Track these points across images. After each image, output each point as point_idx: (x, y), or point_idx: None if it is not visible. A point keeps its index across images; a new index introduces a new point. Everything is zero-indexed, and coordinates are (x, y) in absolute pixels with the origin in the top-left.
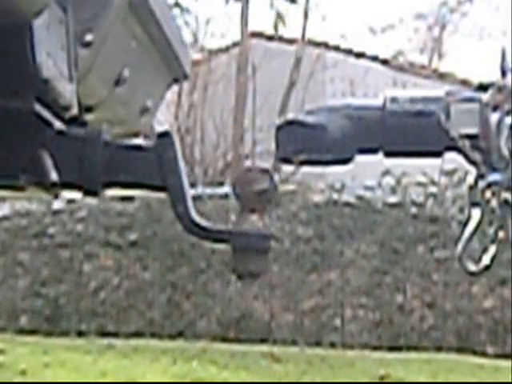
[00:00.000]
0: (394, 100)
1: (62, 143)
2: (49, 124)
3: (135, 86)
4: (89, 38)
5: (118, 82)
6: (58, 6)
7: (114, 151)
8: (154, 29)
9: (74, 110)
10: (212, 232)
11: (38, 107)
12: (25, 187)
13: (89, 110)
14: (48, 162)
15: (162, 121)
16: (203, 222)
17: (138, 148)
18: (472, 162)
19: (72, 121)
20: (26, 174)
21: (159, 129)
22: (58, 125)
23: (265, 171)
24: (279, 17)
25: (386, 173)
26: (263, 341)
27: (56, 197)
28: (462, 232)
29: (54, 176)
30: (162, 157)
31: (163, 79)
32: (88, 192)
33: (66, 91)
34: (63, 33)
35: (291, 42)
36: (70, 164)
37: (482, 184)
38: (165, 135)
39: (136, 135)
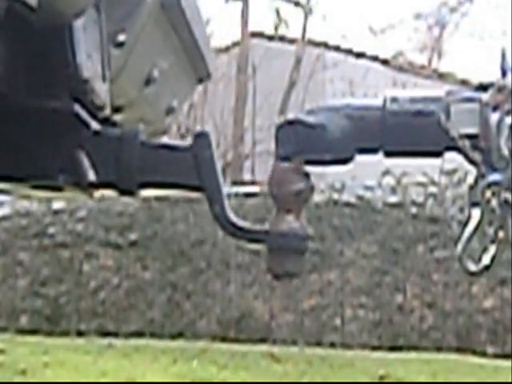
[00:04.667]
0: (394, 100)
1: (98, 143)
2: (86, 124)
3: (163, 86)
4: (121, 38)
5: (147, 82)
6: (92, 6)
7: (151, 151)
8: (183, 29)
9: (108, 111)
10: (248, 232)
11: (77, 108)
12: (62, 187)
13: (118, 110)
14: (85, 162)
15: None
16: (239, 222)
17: (175, 148)
18: (472, 162)
19: (103, 121)
20: (64, 175)
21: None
22: (94, 125)
23: (301, 171)
24: (279, 16)
25: (386, 173)
26: (263, 341)
27: (91, 196)
28: (462, 232)
29: (91, 176)
30: (199, 157)
31: (189, 79)
32: (124, 192)
33: (102, 91)
34: (97, 33)
35: (291, 41)
36: (106, 164)
37: (482, 184)
38: (201, 135)
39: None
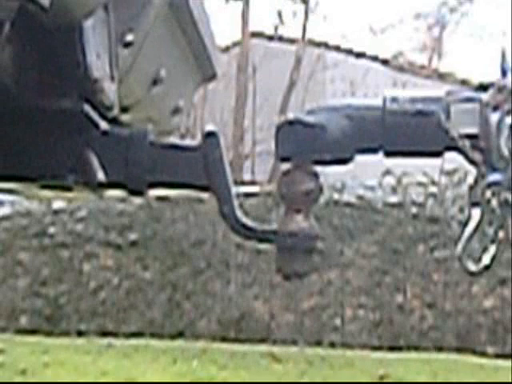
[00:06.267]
0: (394, 100)
1: (108, 143)
2: (96, 124)
3: (170, 86)
4: (129, 38)
5: (155, 82)
6: (100, 6)
7: (160, 151)
8: (190, 29)
9: (116, 111)
10: (257, 232)
11: (87, 107)
12: (72, 187)
13: (125, 110)
14: (95, 162)
15: None
16: (249, 222)
17: (184, 148)
18: (472, 162)
19: (111, 121)
20: (74, 174)
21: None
22: (104, 125)
23: (310, 171)
24: (281, 17)
25: (387, 173)
26: (263, 341)
27: (101, 197)
28: (462, 232)
29: (100, 176)
30: (208, 157)
31: (195, 79)
32: (133, 192)
33: (110, 91)
34: (106, 33)
35: (291, 41)
36: (115, 164)
37: (482, 184)
38: (211, 135)
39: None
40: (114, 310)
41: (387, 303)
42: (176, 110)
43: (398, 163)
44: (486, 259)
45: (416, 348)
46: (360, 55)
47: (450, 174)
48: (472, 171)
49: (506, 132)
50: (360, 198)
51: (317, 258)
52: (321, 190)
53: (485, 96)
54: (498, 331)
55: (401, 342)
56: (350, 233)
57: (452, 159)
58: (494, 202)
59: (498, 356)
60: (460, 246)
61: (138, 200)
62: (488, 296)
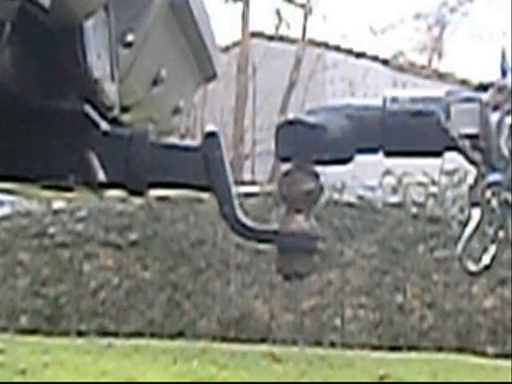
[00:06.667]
0: (394, 100)
1: (108, 144)
2: (96, 125)
3: (170, 86)
4: (130, 38)
5: (155, 82)
6: (101, 6)
7: (160, 151)
8: (191, 29)
9: (116, 111)
10: (258, 232)
11: (87, 108)
12: (72, 188)
13: (125, 110)
14: (95, 162)
15: None
16: (249, 222)
17: (185, 148)
18: (472, 162)
19: (111, 121)
20: (74, 175)
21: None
22: (104, 125)
23: (311, 172)
24: (279, 17)
25: (387, 173)
26: (263, 341)
27: (101, 197)
28: (462, 232)
29: (101, 176)
30: (209, 157)
31: (195, 79)
32: (134, 192)
33: (111, 91)
34: (106, 33)
35: (291, 41)
36: (116, 164)
37: (482, 184)
38: (211, 135)
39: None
40: (114, 310)
41: (387, 303)
42: (176, 110)
43: (398, 163)
44: (486, 259)
45: (416, 348)
46: (360, 55)
47: (450, 173)
48: (472, 171)
49: (506, 132)
50: (360, 197)
51: (317, 258)
52: (321, 190)
53: (485, 96)
54: (498, 331)
55: (401, 341)
56: (350, 233)
57: (452, 159)
58: (494, 202)
59: (497, 356)
60: (460, 246)
61: (138, 200)
62: (488, 296)
